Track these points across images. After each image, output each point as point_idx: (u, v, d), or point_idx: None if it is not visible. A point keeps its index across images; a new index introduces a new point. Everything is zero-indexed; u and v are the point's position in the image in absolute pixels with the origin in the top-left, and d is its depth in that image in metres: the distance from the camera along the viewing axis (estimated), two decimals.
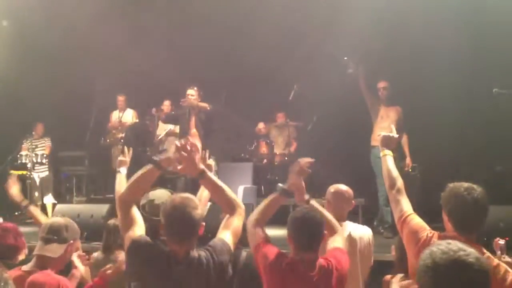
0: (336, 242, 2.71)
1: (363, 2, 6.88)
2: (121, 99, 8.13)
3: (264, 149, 7.81)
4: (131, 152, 3.28)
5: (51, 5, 8.04)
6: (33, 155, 7.62)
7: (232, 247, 2.38)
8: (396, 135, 2.87)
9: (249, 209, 4.72)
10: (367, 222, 6.44)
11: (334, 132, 8.01)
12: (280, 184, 2.91)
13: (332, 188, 3.45)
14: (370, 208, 6.51)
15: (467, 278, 1.52)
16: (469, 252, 1.56)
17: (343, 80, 6.71)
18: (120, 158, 3.22)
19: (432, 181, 6.16)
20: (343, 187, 3.44)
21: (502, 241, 3.23)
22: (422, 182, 6.77)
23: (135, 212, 2.46)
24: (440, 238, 2.30)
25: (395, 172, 2.67)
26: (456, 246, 1.58)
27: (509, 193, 5.90)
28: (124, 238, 2.38)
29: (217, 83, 7.83)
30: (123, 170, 3.10)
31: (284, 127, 8.03)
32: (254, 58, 7.84)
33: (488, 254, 2.24)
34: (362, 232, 3.33)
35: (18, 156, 7.59)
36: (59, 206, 6.85)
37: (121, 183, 2.89)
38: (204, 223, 2.35)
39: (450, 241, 1.63)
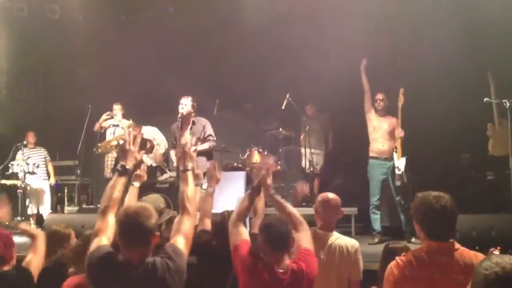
0: (305, 240, 2.77)
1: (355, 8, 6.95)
2: (116, 107, 7.93)
3: (256, 158, 7.73)
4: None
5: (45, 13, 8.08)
6: (25, 164, 7.53)
7: (184, 251, 2.40)
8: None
9: None
10: (360, 231, 6.49)
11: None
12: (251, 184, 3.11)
13: (320, 197, 3.44)
14: (363, 217, 6.50)
15: None
16: None
17: (338, 87, 6.75)
18: (137, 172, 3.28)
19: (425, 190, 6.17)
20: (330, 195, 3.41)
21: (496, 251, 3.22)
22: (414, 191, 6.77)
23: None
24: (413, 254, 2.41)
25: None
26: None
27: (500, 202, 5.94)
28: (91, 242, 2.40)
29: (209, 92, 7.82)
30: (137, 184, 3.24)
31: None
32: (246, 66, 7.89)
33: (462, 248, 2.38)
34: (345, 244, 3.26)
35: (10, 165, 7.50)
36: (50, 216, 6.79)
37: (131, 196, 3.04)
38: (158, 233, 2.37)
39: (502, 255, 1.70)
